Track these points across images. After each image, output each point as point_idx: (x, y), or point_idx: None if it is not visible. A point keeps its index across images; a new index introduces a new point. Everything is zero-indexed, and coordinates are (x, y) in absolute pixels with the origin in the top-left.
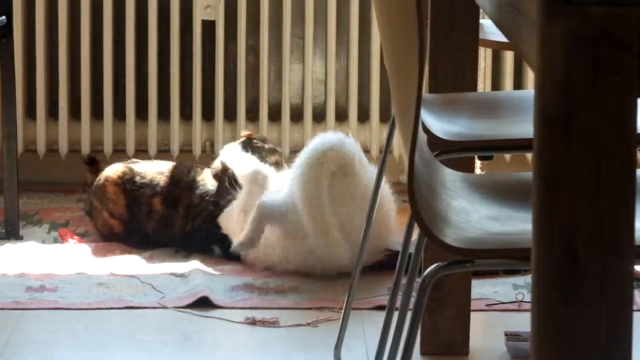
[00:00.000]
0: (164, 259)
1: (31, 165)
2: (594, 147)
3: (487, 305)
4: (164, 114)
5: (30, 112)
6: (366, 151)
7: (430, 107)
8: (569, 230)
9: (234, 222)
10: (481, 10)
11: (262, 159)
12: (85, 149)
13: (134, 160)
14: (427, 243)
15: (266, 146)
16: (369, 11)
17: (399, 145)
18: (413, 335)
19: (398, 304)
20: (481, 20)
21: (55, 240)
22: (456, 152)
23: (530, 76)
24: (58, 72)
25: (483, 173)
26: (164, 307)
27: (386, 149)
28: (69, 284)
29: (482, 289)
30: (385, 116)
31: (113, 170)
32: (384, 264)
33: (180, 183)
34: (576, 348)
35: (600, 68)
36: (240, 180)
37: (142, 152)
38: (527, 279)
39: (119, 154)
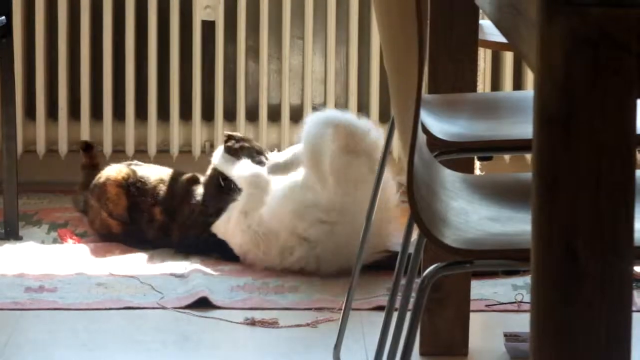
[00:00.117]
0: (163, 260)
1: (31, 165)
2: (593, 147)
3: (486, 305)
4: (163, 114)
5: (30, 112)
6: None
7: (429, 107)
8: (568, 231)
9: (233, 224)
10: (481, 11)
11: (252, 159)
12: None
13: (136, 162)
14: (427, 243)
15: (247, 145)
16: (369, 12)
17: (398, 146)
18: (412, 336)
19: (397, 304)
20: (481, 21)
21: (55, 241)
22: (456, 153)
23: (529, 77)
24: (58, 73)
25: (482, 174)
26: (164, 308)
27: (386, 150)
28: (69, 285)
29: (481, 289)
30: (384, 117)
31: (116, 171)
32: (384, 265)
33: (177, 194)
34: (576, 348)
35: (599, 68)
36: (240, 183)
37: (141, 153)
38: (527, 279)
39: (119, 154)
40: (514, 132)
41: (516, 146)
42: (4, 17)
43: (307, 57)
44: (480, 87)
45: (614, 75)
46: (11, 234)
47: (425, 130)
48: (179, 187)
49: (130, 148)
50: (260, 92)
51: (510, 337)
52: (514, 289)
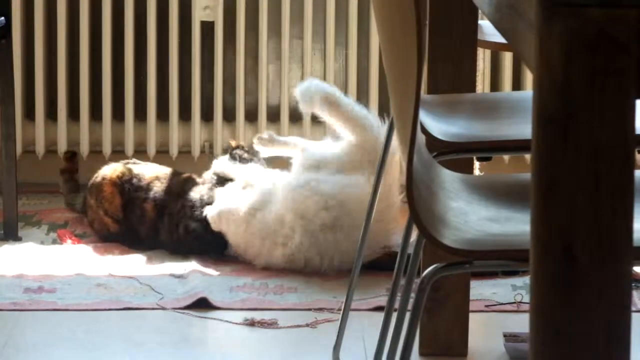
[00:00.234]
0: (162, 260)
1: (30, 166)
2: (592, 148)
3: (485, 306)
4: (163, 115)
5: (29, 113)
6: None
7: (428, 108)
8: (567, 231)
9: (238, 220)
10: (480, 12)
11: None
12: (84, 150)
13: (135, 161)
14: (426, 244)
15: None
16: (368, 12)
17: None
18: (412, 336)
19: (397, 305)
20: (480, 22)
21: (54, 242)
22: (455, 153)
23: (529, 77)
24: (57, 73)
25: (482, 174)
26: (163, 308)
27: (385, 150)
28: (68, 285)
29: (480, 289)
30: (384, 117)
31: (111, 170)
32: (383, 265)
33: (172, 193)
34: (575, 349)
35: (598, 69)
36: (246, 181)
37: (141, 153)
38: (526, 279)
39: (118, 154)
40: (513, 133)
41: (515, 147)
42: (3, 18)
43: (306, 58)
44: (479, 88)
45: (613, 75)
46: (10, 235)
47: (425, 131)
48: (174, 186)
49: (129, 149)
50: (260, 92)
51: (509, 337)
52: (514, 289)
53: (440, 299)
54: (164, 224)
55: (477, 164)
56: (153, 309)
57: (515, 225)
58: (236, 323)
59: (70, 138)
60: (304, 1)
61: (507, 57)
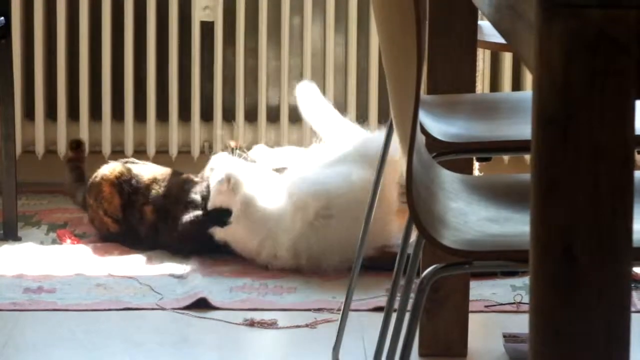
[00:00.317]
0: (162, 260)
1: (30, 166)
2: (592, 148)
3: (485, 306)
4: (162, 115)
5: (29, 113)
6: None
7: (428, 108)
8: (567, 232)
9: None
10: (479, 12)
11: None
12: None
13: (132, 160)
14: (425, 244)
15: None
16: (368, 13)
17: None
18: (411, 337)
19: (396, 305)
20: (479, 22)
21: (54, 242)
22: (454, 154)
23: (528, 78)
24: (57, 73)
25: (481, 175)
26: (163, 309)
27: (384, 151)
28: (67, 285)
29: (480, 290)
30: (383, 117)
31: (110, 170)
32: (383, 266)
33: (171, 195)
34: (575, 349)
35: (598, 70)
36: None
37: (140, 153)
38: (526, 280)
39: (118, 155)
40: (512, 133)
41: (515, 147)
42: (2, 18)
43: (306, 58)
44: (479, 88)
45: (613, 76)
46: (10, 235)
47: (424, 131)
48: (173, 188)
49: (129, 149)
50: (259, 92)
51: (509, 337)
52: (513, 290)
53: (439, 300)
54: (164, 226)
55: (476, 165)
56: (153, 309)
57: (514, 225)
58: (236, 323)
59: (69, 138)
60: (303, 1)
61: (507, 58)
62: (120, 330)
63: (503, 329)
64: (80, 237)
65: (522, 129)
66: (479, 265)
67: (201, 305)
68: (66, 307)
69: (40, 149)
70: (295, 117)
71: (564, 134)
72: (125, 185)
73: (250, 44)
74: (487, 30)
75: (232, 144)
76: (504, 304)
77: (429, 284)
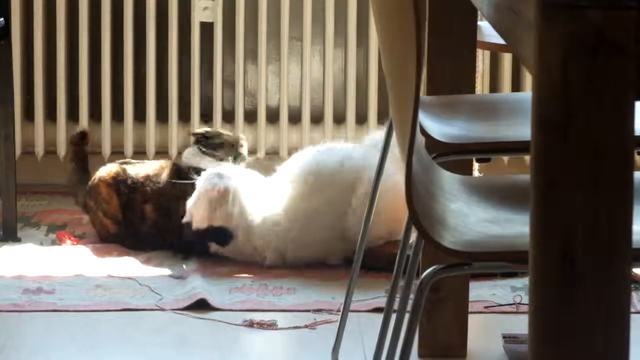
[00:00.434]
0: (162, 261)
1: (29, 167)
2: (591, 149)
3: (485, 307)
4: (161, 116)
5: (29, 113)
6: None
7: (428, 109)
8: (566, 233)
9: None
10: (479, 13)
11: (221, 157)
12: None
13: (129, 160)
14: (425, 245)
15: (219, 140)
16: (367, 13)
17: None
18: (411, 338)
19: (396, 306)
20: (479, 23)
21: (53, 243)
22: (454, 155)
23: (528, 78)
24: (56, 74)
25: (481, 175)
26: (162, 309)
27: (384, 151)
28: (67, 286)
29: (480, 290)
30: (383, 118)
31: (106, 171)
32: (381, 266)
33: (167, 193)
34: (574, 350)
35: (597, 70)
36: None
37: (140, 154)
38: (525, 281)
39: (117, 156)
40: (512, 134)
41: (515, 148)
42: (2, 19)
43: (305, 59)
44: (478, 89)
45: (612, 77)
46: (10, 236)
47: (424, 132)
48: (167, 184)
49: (129, 149)
50: (259, 94)
51: (508, 338)
52: (513, 291)
53: (439, 300)
54: (167, 224)
55: (476, 166)
56: (152, 310)
57: (514, 226)
58: (235, 324)
59: (69, 139)
60: (303, 2)
61: (507, 59)
62: (120, 331)
63: (503, 330)
64: (79, 238)
65: (522, 130)
66: (479, 266)
67: (201, 306)
68: (66, 308)
69: (39, 149)
70: (295, 118)
71: (564, 135)
72: (122, 186)
73: (250, 45)
74: (487, 30)
75: (199, 131)
76: (504, 305)
77: (429, 284)
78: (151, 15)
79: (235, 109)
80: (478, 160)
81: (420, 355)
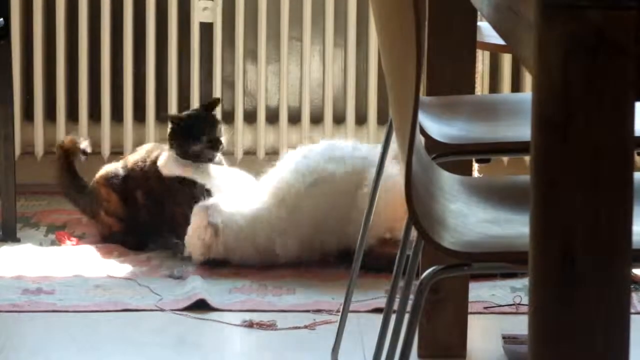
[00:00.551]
0: (161, 262)
1: (29, 167)
2: (591, 149)
3: (484, 307)
4: (161, 116)
5: (28, 114)
6: None
7: (427, 110)
8: (566, 233)
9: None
10: (479, 13)
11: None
12: None
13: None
14: (425, 246)
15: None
16: (367, 13)
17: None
18: (410, 338)
19: (396, 306)
20: (479, 23)
21: (53, 243)
22: (454, 155)
23: (528, 79)
24: (56, 74)
25: (481, 176)
26: (162, 310)
27: (383, 152)
28: (66, 287)
29: (479, 291)
30: (382, 119)
31: (99, 174)
32: (379, 265)
33: (156, 176)
34: (574, 351)
35: (597, 71)
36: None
37: None
38: (525, 281)
39: (117, 156)
40: (512, 134)
41: (515, 148)
42: (2, 19)
43: (305, 59)
44: (478, 89)
45: (612, 77)
46: (9, 236)
47: (424, 133)
48: (152, 166)
49: (128, 150)
50: (259, 94)
51: (508, 339)
52: (513, 291)
53: (439, 301)
54: (158, 209)
55: (476, 166)
56: (152, 310)
57: (514, 227)
58: (235, 324)
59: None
60: (303, 2)
61: (506, 59)
62: (119, 331)
63: (502, 331)
64: (79, 238)
65: (522, 130)
66: (479, 267)
67: (200, 306)
68: (65, 308)
69: (39, 150)
70: (294, 118)
71: (564, 135)
72: (115, 179)
73: (250, 45)
74: (487, 31)
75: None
76: (504, 306)
77: (429, 285)
78: (151, 15)
79: (235, 109)
80: (478, 161)
81: (419, 355)
